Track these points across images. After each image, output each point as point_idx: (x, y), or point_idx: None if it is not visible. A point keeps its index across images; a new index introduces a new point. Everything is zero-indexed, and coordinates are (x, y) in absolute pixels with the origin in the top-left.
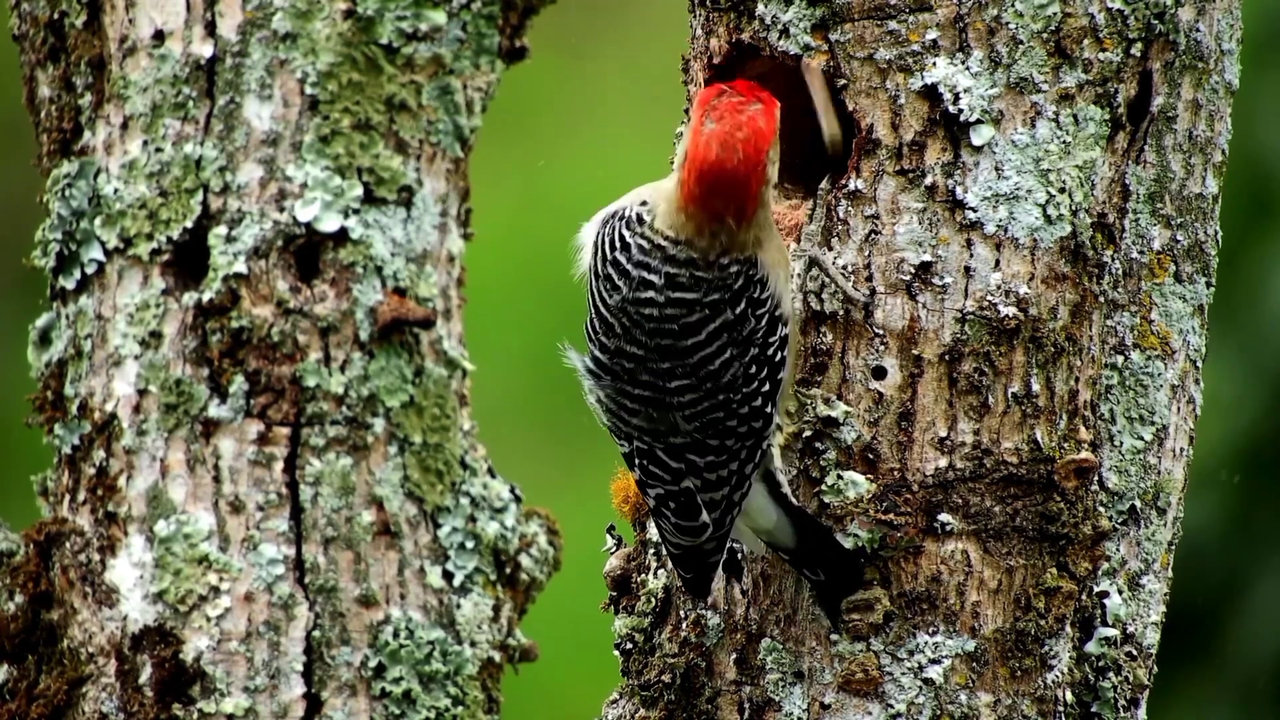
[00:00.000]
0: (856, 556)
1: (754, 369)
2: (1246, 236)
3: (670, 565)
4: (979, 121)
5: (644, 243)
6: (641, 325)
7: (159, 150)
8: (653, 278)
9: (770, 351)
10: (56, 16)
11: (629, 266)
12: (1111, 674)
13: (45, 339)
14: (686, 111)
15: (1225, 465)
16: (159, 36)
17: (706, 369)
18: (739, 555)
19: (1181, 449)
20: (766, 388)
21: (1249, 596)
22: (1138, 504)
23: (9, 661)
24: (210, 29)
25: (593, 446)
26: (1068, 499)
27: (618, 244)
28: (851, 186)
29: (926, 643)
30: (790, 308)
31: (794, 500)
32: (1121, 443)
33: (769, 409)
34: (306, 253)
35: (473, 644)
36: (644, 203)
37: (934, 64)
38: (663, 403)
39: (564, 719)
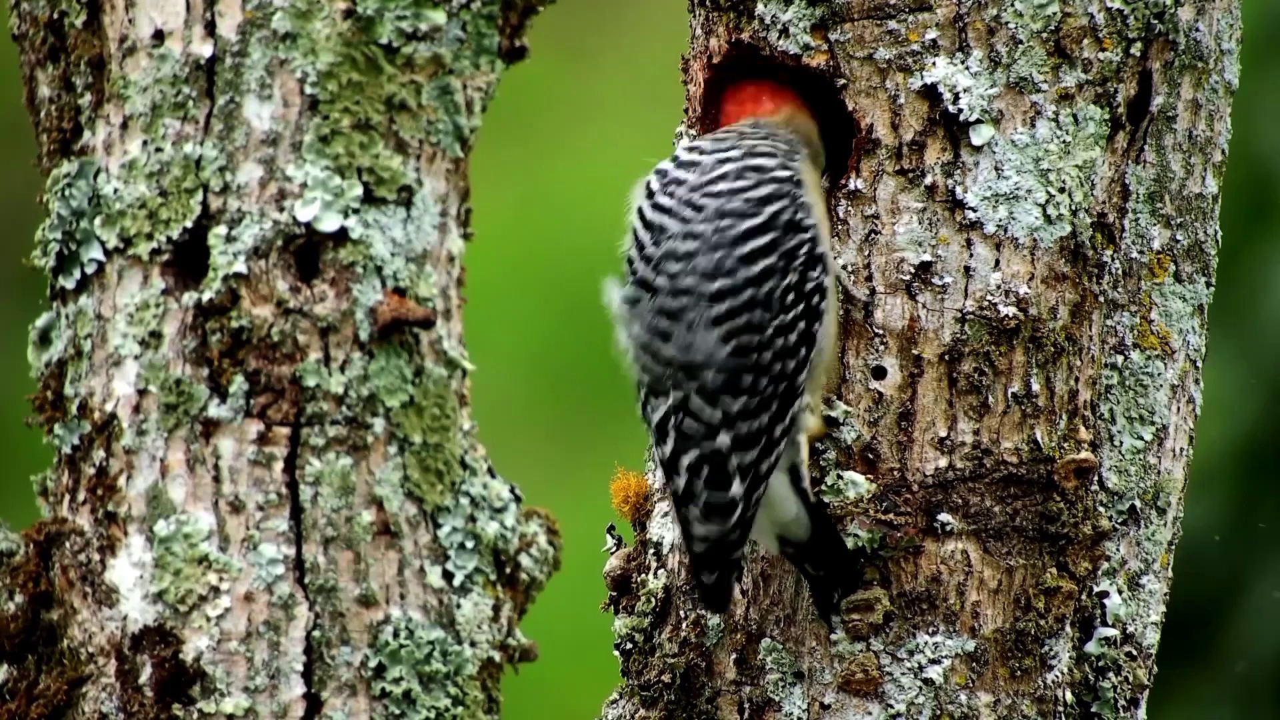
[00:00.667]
0: (856, 559)
1: (790, 297)
2: (1246, 236)
3: (674, 566)
4: (979, 121)
5: (717, 142)
6: (704, 209)
7: (159, 150)
8: (731, 152)
9: (808, 287)
10: (56, 16)
11: (704, 160)
12: (1111, 674)
13: (45, 339)
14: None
15: (1225, 465)
16: (159, 36)
17: (750, 269)
18: (743, 555)
19: (1181, 449)
20: (802, 325)
21: (1249, 596)
22: (1138, 504)
23: (9, 661)
24: (210, 29)
25: (593, 446)
26: (1068, 499)
27: (682, 153)
28: (851, 186)
29: (926, 643)
30: (829, 256)
31: (813, 497)
32: (1121, 443)
33: (803, 351)
34: (306, 253)
35: (473, 644)
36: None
37: (934, 64)
38: (699, 316)
39: (564, 719)
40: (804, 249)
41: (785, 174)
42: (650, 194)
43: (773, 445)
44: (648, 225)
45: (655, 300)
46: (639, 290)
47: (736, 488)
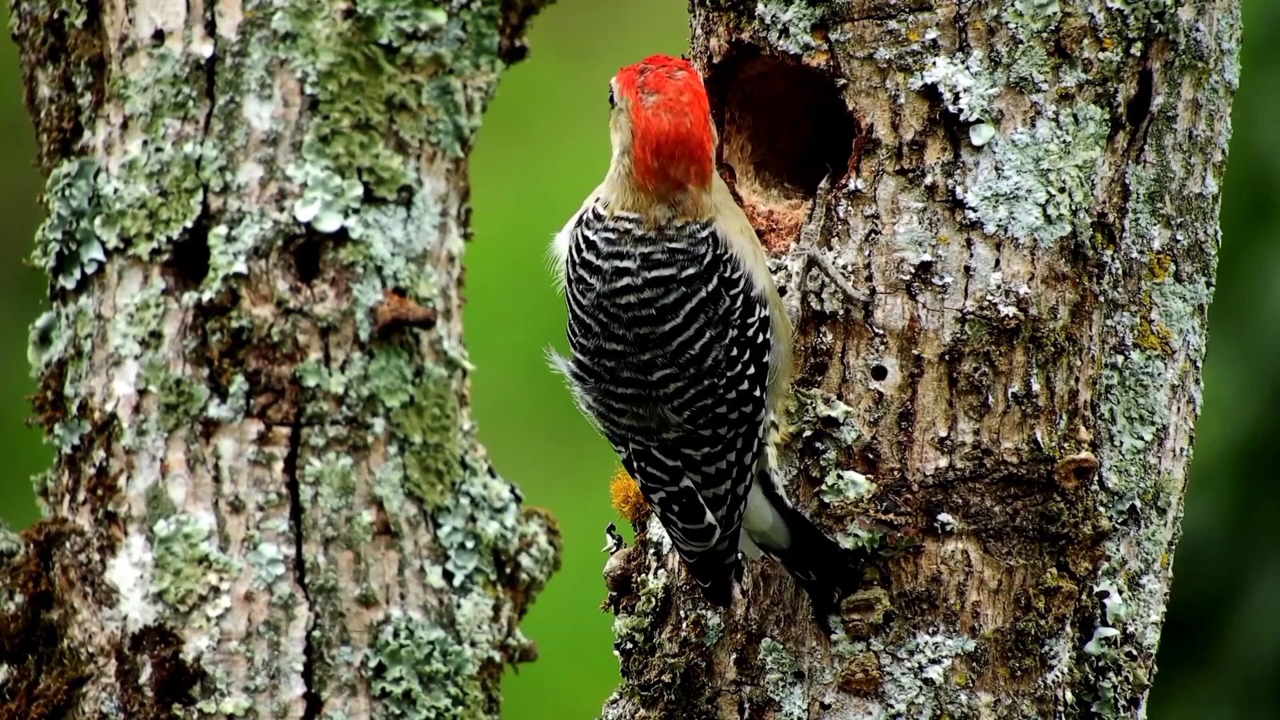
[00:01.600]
0: (846, 558)
1: (735, 351)
2: (1246, 236)
3: (674, 566)
4: (979, 121)
5: (610, 234)
6: (619, 318)
7: (159, 150)
8: (627, 264)
9: (751, 333)
10: (56, 16)
11: (599, 262)
12: (1111, 674)
13: (45, 339)
14: (611, 101)
15: (1225, 465)
16: (159, 36)
17: (688, 354)
18: (739, 555)
19: (1181, 449)
20: (752, 370)
21: (1249, 596)
22: (1138, 504)
23: (9, 661)
24: (210, 29)
25: (593, 446)
26: (1068, 499)
27: (583, 245)
28: (851, 186)
29: (926, 643)
30: (769, 289)
31: (789, 502)
32: (1121, 443)
33: (758, 393)
34: (306, 253)
35: (473, 644)
36: (597, 199)
37: (934, 64)
38: (648, 398)
39: (564, 719)
40: (739, 302)
41: (691, 271)
42: (569, 283)
43: (745, 470)
44: (574, 315)
45: (601, 385)
46: (583, 371)
47: (710, 517)
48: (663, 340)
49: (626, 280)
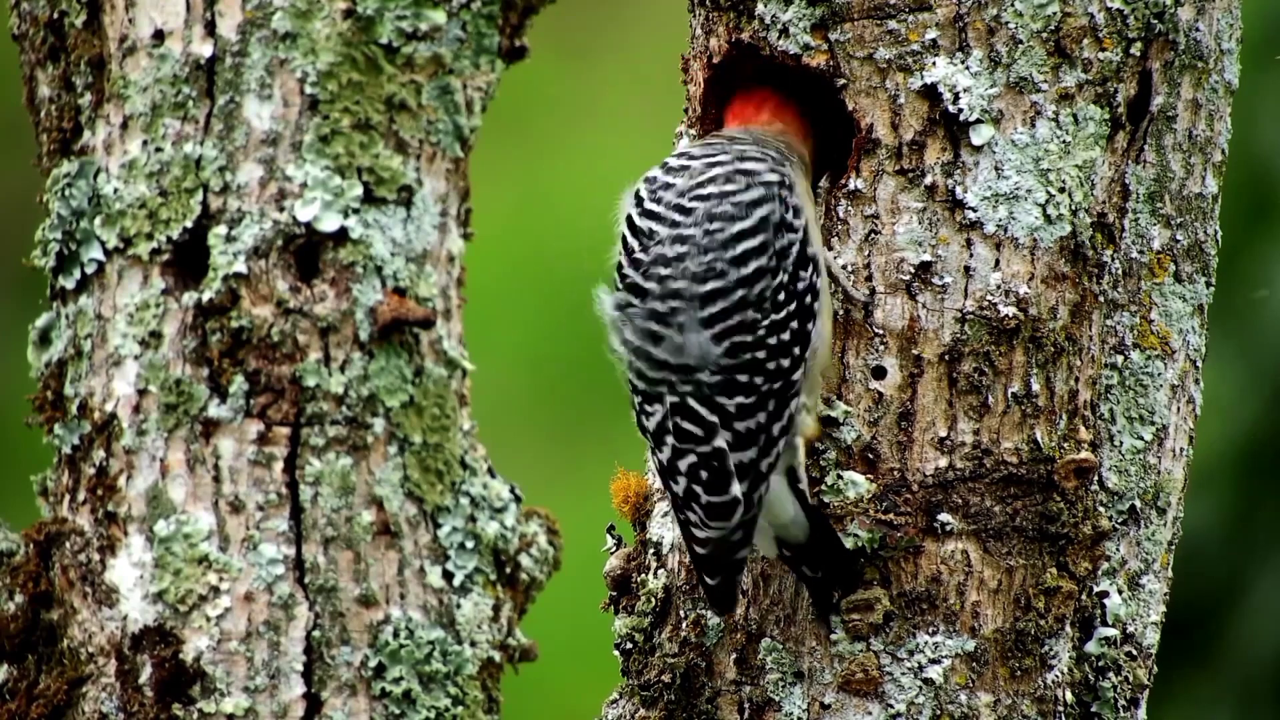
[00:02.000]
0: (854, 559)
1: (782, 296)
2: (1246, 236)
3: (674, 566)
4: (979, 121)
5: (706, 148)
6: (694, 211)
7: (159, 150)
8: (721, 157)
9: (801, 286)
10: (56, 16)
11: (693, 163)
12: (1111, 674)
13: (45, 339)
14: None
15: (1225, 465)
16: (159, 36)
17: (743, 270)
18: (751, 547)
19: (1181, 449)
20: (795, 325)
21: (1249, 596)
22: (1138, 504)
23: (9, 661)
24: (210, 28)
25: (593, 446)
26: (1068, 499)
27: (671, 160)
28: (851, 186)
29: (926, 643)
30: (822, 260)
31: (811, 499)
32: (1121, 443)
33: (797, 352)
34: (306, 253)
35: (473, 644)
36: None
37: (934, 64)
38: (691, 318)
39: (564, 719)
40: (794, 248)
41: (774, 177)
42: (639, 201)
43: (771, 444)
44: (636, 231)
45: (646, 304)
46: (629, 296)
47: (736, 488)
48: (728, 243)
49: (717, 170)
